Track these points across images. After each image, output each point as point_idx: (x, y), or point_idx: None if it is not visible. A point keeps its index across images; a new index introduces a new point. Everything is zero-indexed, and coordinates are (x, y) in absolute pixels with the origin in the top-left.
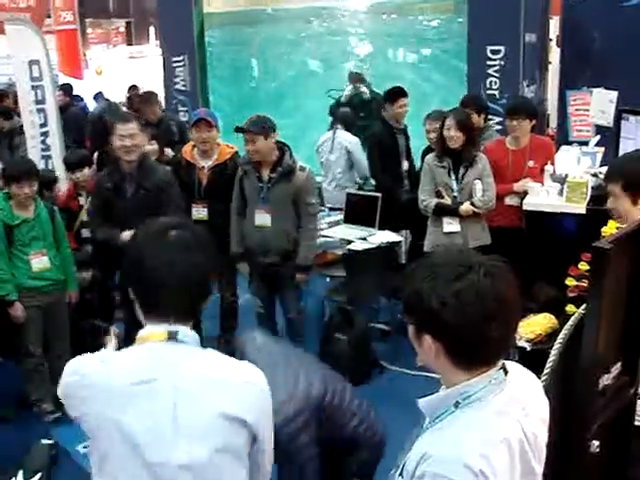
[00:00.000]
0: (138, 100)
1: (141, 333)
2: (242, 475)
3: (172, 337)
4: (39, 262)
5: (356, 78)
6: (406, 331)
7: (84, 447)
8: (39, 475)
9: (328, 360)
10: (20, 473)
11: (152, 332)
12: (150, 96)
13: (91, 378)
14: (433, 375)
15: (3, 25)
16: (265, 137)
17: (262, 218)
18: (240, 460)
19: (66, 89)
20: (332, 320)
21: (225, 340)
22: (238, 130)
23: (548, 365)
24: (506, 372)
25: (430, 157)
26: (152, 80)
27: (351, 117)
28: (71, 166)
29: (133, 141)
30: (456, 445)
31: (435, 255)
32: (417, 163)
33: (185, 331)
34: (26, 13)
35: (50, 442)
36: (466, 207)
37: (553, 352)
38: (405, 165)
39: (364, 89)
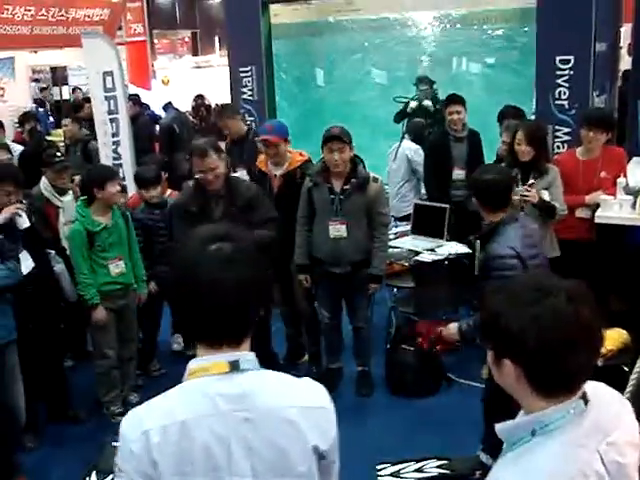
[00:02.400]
0: (216, 114)
1: (196, 364)
2: None
3: (234, 368)
4: (117, 267)
5: (423, 81)
6: (474, 343)
7: None
8: (112, 476)
9: (394, 371)
10: (94, 474)
11: (209, 363)
12: (225, 109)
13: (161, 436)
14: None
15: (74, 39)
16: (350, 148)
17: (337, 229)
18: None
19: (135, 99)
20: (399, 331)
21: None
22: (333, 138)
23: (633, 377)
24: (586, 402)
25: None
26: (218, 89)
27: (420, 128)
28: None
29: (214, 173)
30: (529, 477)
31: (515, 278)
32: None
33: (245, 356)
34: (99, 26)
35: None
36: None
37: (638, 366)
38: (457, 174)
39: (428, 102)
